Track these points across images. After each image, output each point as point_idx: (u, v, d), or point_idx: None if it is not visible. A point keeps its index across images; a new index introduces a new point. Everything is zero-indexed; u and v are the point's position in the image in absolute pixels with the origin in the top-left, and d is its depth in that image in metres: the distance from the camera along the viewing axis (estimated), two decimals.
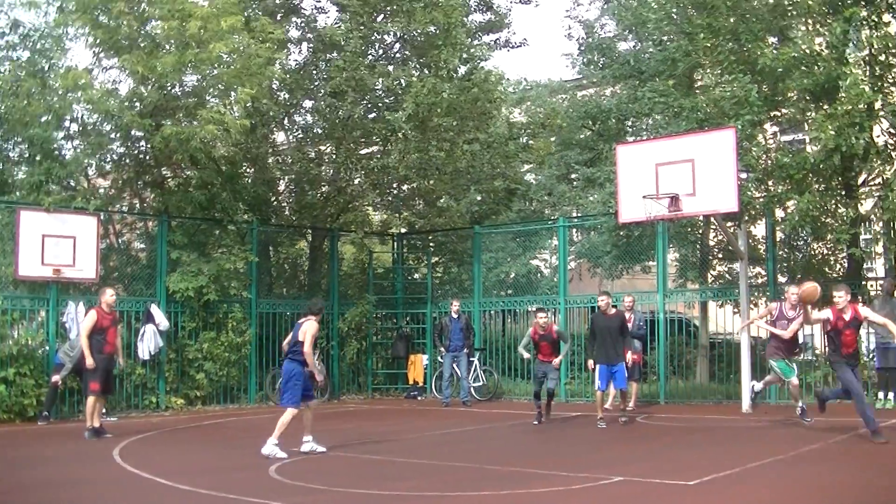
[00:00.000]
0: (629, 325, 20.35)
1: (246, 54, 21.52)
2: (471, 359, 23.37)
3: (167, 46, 21.42)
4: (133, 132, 22.29)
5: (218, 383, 22.25)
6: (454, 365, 22.95)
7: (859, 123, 18.07)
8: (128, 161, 23.41)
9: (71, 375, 19.27)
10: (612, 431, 16.81)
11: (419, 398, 24.76)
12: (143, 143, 22.78)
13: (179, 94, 22.50)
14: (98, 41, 21.37)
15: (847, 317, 14.08)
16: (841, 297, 14.18)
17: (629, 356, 18.06)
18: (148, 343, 20.81)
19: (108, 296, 16.79)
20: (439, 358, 23.67)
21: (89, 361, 16.26)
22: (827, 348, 14.94)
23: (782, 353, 16.60)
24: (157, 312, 21.14)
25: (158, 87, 21.55)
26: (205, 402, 22.27)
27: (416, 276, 29.01)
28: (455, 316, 22.90)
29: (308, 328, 13.74)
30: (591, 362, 17.87)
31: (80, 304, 19.92)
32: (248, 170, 26.44)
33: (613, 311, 17.81)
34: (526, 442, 16.08)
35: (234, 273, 22.99)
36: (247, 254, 23.09)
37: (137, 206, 24.51)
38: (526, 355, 19.15)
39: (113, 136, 22.57)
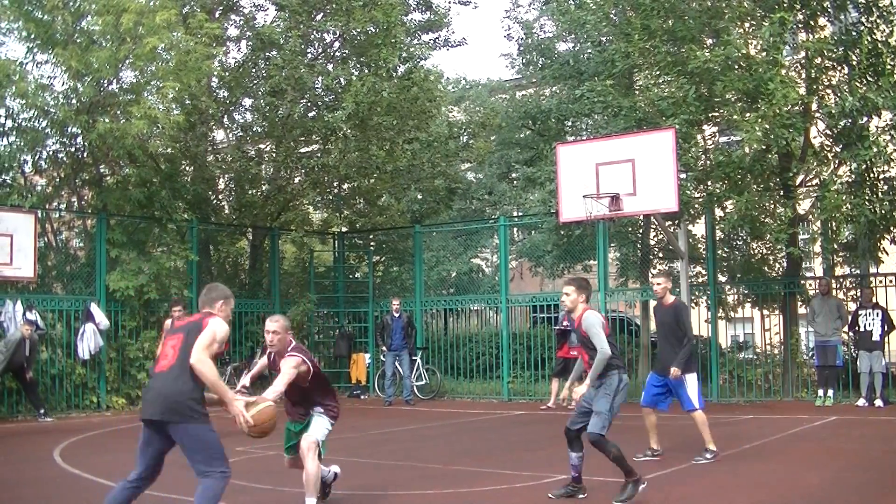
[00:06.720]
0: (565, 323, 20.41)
1: (182, 50, 21.37)
2: (413, 358, 23.38)
3: (102, 42, 21.17)
4: (69, 128, 21.96)
5: None
6: (396, 364, 22.94)
7: (792, 125, 18.28)
8: (64, 158, 23.14)
9: (8, 375, 19.07)
10: (551, 430, 16.89)
11: (362, 397, 24.70)
12: (79, 139, 22.47)
13: (116, 90, 22.24)
14: (32, 36, 21.00)
15: None
16: None
17: (673, 370, 12.49)
18: (88, 342, 20.53)
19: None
20: (381, 357, 23.65)
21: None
22: None
23: None
24: (96, 311, 20.90)
25: (94, 82, 21.27)
26: None
27: (358, 275, 28.98)
28: (396, 314, 22.90)
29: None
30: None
31: (18, 303, 19.68)
32: (187, 168, 26.27)
33: (671, 299, 13.05)
34: (468, 441, 16.12)
35: (175, 272, 22.78)
36: (187, 252, 22.91)
37: (75, 203, 24.21)
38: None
39: (49, 131, 22.19)
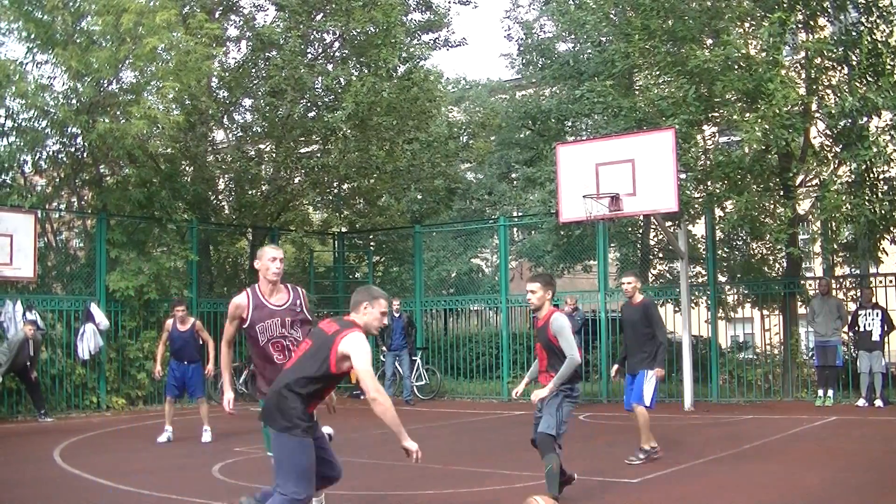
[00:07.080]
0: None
1: (182, 50, 21.38)
2: (413, 358, 23.36)
3: (102, 42, 21.16)
4: (69, 129, 21.94)
5: (160, 383, 21.96)
6: (396, 364, 22.92)
7: (792, 125, 18.28)
8: (64, 158, 23.12)
9: (9, 375, 19.06)
10: None
11: (362, 397, 24.61)
12: (79, 139, 22.44)
13: (116, 90, 22.24)
14: (32, 36, 20.98)
15: None
16: None
17: (652, 371, 12.45)
18: (88, 342, 20.52)
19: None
20: (381, 357, 23.62)
21: None
22: None
23: None
24: (96, 311, 20.90)
25: (94, 82, 21.26)
26: (146, 402, 22.07)
27: (358, 275, 28.97)
28: (396, 315, 22.86)
29: None
30: (613, 369, 13.53)
31: (18, 303, 19.67)
32: (186, 168, 26.26)
33: (640, 297, 12.90)
34: (468, 441, 16.11)
35: (175, 272, 22.78)
36: (187, 252, 22.91)
37: (75, 203, 24.22)
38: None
39: (49, 132, 22.15)
